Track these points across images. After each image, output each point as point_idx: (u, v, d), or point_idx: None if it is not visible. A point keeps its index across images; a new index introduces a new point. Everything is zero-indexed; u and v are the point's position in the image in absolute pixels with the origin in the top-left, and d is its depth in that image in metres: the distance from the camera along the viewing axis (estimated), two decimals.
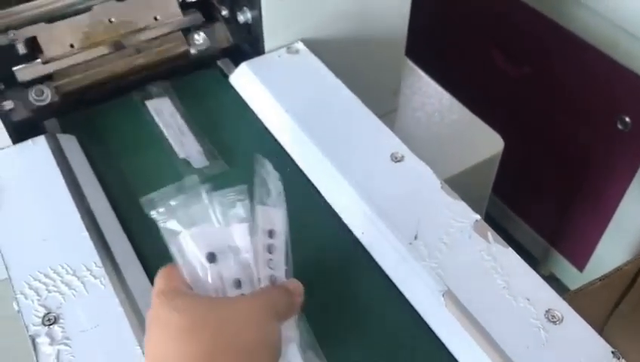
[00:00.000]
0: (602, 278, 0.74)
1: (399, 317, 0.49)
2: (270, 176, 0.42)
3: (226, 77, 0.70)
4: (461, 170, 0.83)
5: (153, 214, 0.39)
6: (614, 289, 0.78)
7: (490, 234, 0.52)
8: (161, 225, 0.39)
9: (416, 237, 0.51)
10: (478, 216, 0.53)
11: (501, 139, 0.87)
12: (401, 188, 0.55)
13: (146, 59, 0.68)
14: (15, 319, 0.65)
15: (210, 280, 0.39)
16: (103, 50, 0.67)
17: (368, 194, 0.54)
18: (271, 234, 0.41)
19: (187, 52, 0.71)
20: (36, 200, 0.55)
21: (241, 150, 0.62)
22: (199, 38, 0.71)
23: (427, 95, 0.92)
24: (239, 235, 0.40)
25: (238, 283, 0.39)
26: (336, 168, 0.56)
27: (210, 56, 0.72)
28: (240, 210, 0.40)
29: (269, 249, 0.41)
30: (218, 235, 0.40)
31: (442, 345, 0.47)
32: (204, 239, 0.39)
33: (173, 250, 0.39)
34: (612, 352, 0.44)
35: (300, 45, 0.70)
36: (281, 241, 0.42)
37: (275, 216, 0.42)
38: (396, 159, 0.57)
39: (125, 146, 0.63)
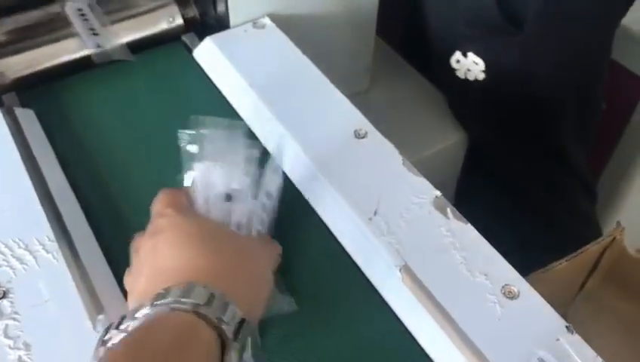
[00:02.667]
0: (568, 259, 0.74)
1: (357, 293, 0.49)
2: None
3: (190, 52, 0.69)
4: (431, 151, 0.82)
5: (183, 132, 0.45)
6: (580, 269, 0.79)
7: (450, 209, 0.51)
8: (186, 146, 0.45)
9: (375, 213, 0.51)
10: (438, 193, 0.53)
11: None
12: (362, 165, 0.54)
13: None
14: None
15: (219, 214, 0.44)
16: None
17: (329, 170, 0.54)
18: (269, 195, 0.46)
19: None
20: None
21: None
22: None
23: (399, 76, 0.92)
24: (271, 184, 0.46)
25: (238, 226, 0.44)
26: (299, 144, 0.56)
27: (175, 31, 0.71)
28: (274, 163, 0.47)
29: (263, 207, 0.46)
30: (241, 177, 0.45)
31: (399, 320, 0.47)
32: (227, 176, 0.44)
33: (190, 173, 0.44)
34: (566, 327, 0.44)
35: (267, 20, 0.69)
36: (273, 204, 0.47)
37: (275, 182, 0.47)
38: (359, 136, 0.57)
39: (85, 123, 0.61)
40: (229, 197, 0.44)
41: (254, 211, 0.46)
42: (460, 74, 0.77)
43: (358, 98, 0.62)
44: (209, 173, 0.44)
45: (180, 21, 0.72)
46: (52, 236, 0.49)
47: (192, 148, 0.45)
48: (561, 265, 0.75)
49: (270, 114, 0.58)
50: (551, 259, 0.73)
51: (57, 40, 0.66)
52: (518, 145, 0.83)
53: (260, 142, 0.50)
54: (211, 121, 0.45)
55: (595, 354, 0.42)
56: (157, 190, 0.46)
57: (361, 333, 0.46)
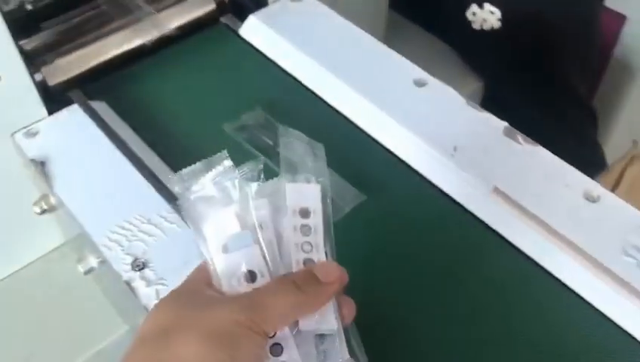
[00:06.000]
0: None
1: (452, 219, 0.54)
2: (305, 147, 0.38)
3: (234, 32, 0.72)
4: None
5: (180, 196, 0.36)
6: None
7: (520, 136, 0.57)
8: (185, 216, 0.36)
9: (455, 149, 0.56)
10: (505, 123, 0.58)
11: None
12: (431, 109, 0.60)
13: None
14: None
15: (219, 275, 0.34)
16: None
17: (404, 119, 0.59)
18: (304, 213, 0.36)
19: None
20: (90, 163, 0.57)
21: (279, 102, 0.65)
22: None
23: (410, 38, 0.97)
24: (253, 212, 0.35)
25: (250, 276, 0.34)
26: (370, 101, 0.60)
27: (210, 15, 0.74)
28: (262, 186, 0.36)
29: (303, 230, 0.36)
30: (234, 220, 0.35)
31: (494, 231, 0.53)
32: (219, 226, 0.35)
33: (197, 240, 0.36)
34: None
35: None
36: (317, 220, 0.36)
37: (309, 192, 0.36)
38: (420, 84, 0.62)
39: (156, 107, 0.65)
40: (226, 248, 0.35)
41: (279, 242, 0.36)
42: (476, 25, 0.83)
43: None
44: (204, 236, 0.35)
45: (212, 5, 0.75)
46: (169, 208, 0.53)
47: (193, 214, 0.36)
48: None
49: (335, 77, 0.63)
50: None
51: (106, 35, 0.68)
52: (531, 83, 0.89)
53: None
54: (195, 170, 0.36)
55: None
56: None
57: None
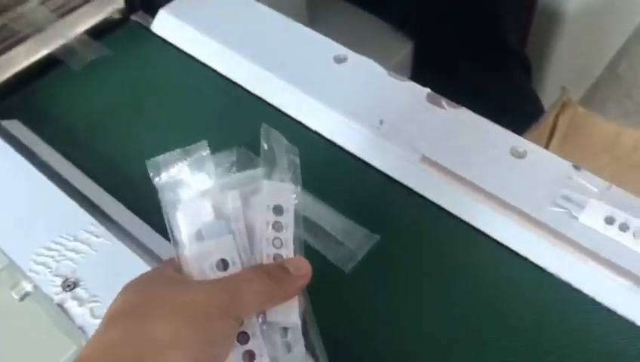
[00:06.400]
0: (530, 131, 0.82)
1: (379, 188, 0.54)
2: (281, 148, 0.39)
3: (146, 29, 0.70)
4: (389, 64, 0.88)
5: (157, 181, 0.37)
6: (539, 140, 0.88)
7: (444, 101, 0.57)
8: (162, 198, 0.36)
9: (381, 122, 0.56)
10: (428, 90, 0.58)
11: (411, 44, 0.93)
12: (353, 84, 0.59)
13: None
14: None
15: (191, 261, 0.35)
16: None
17: (327, 98, 0.58)
18: (278, 210, 0.38)
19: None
20: (8, 186, 0.54)
21: (199, 95, 0.63)
22: None
23: (336, 12, 0.96)
24: (229, 203, 0.36)
25: (223, 264, 0.35)
26: (291, 83, 0.59)
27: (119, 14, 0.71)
28: (232, 177, 0.37)
29: (275, 226, 0.37)
30: (208, 209, 0.36)
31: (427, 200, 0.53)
32: (193, 214, 0.36)
33: (168, 225, 0.36)
34: (573, 166, 0.51)
35: None
36: (289, 219, 0.38)
37: (284, 191, 0.38)
38: (340, 60, 0.61)
39: (73, 118, 0.62)
40: (199, 236, 0.35)
41: (251, 235, 0.37)
42: None
43: None
44: (175, 221, 0.36)
45: (120, 4, 0.72)
46: (96, 223, 0.51)
47: (169, 197, 0.37)
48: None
49: (254, 65, 0.61)
50: None
51: (8, 49, 0.65)
52: (459, 35, 0.89)
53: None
54: (172, 157, 0.37)
55: (606, 181, 0.50)
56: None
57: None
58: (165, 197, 0.36)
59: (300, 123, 0.59)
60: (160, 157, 0.37)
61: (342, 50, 0.62)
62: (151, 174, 0.37)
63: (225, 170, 0.38)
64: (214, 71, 0.64)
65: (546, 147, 0.91)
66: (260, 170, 0.38)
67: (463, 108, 0.56)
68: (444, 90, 0.92)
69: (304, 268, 0.36)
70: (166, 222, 0.36)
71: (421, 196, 0.53)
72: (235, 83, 0.63)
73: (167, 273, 0.34)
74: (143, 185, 0.52)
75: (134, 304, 0.31)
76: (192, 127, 0.59)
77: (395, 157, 0.54)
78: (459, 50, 0.90)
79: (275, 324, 0.36)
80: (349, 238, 0.50)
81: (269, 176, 0.38)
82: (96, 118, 0.61)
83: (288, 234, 0.37)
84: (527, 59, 0.99)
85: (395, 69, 0.91)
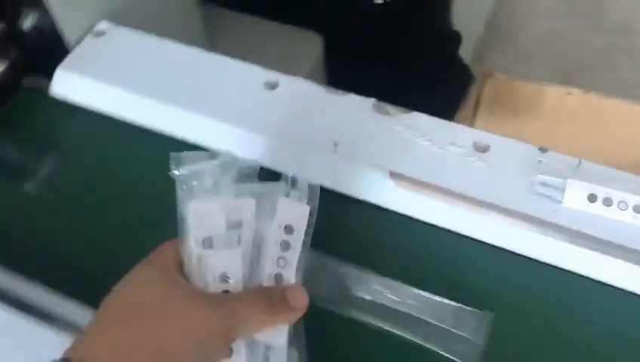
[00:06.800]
0: (460, 109, 0.82)
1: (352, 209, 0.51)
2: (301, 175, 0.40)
3: (43, 93, 0.62)
4: (306, 71, 0.85)
5: (175, 173, 0.38)
6: (468, 115, 0.88)
7: (390, 108, 0.54)
8: (178, 190, 0.38)
9: (336, 145, 0.52)
10: (372, 100, 0.55)
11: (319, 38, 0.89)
12: (291, 110, 0.55)
13: None
14: None
15: (195, 266, 0.36)
16: None
17: (266, 129, 0.53)
18: (289, 230, 0.37)
19: None
20: None
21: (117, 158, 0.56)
22: None
23: (235, 28, 0.91)
24: (244, 209, 0.37)
25: (224, 278, 0.36)
26: (225, 122, 0.54)
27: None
28: (252, 186, 0.38)
29: (283, 245, 0.37)
30: (222, 214, 0.37)
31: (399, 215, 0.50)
32: (206, 215, 0.36)
33: (180, 220, 0.37)
34: (539, 149, 0.50)
35: (104, 24, 0.63)
36: (298, 240, 0.38)
37: (298, 211, 0.38)
38: (271, 86, 0.57)
39: None
40: (209, 243, 0.36)
41: (255, 253, 0.38)
42: None
43: None
44: (187, 219, 0.37)
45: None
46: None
47: (184, 194, 0.38)
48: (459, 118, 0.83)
49: (175, 108, 0.56)
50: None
51: None
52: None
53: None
54: (197, 156, 0.38)
55: (575, 157, 0.49)
56: None
57: None
58: (181, 190, 0.37)
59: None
60: (184, 153, 0.38)
61: (269, 74, 0.57)
62: (171, 167, 0.38)
63: (247, 177, 0.39)
64: (131, 125, 0.58)
65: (472, 122, 0.91)
66: (281, 185, 0.38)
67: (413, 112, 0.54)
68: (373, 77, 0.90)
69: (303, 302, 0.37)
70: (178, 216, 0.37)
71: (398, 213, 0.50)
72: (161, 133, 0.57)
73: (168, 268, 0.35)
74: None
75: (138, 303, 0.33)
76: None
77: (361, 178, 0.50)
78: (383, 31, 0.88)
79: (260, 343, 0.36)
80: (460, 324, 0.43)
81: (287, 193, 0.38)
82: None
83: (294, 256, 0.37)
84: (453, 30, 0.97)
85: (315, 70, 0.89)
